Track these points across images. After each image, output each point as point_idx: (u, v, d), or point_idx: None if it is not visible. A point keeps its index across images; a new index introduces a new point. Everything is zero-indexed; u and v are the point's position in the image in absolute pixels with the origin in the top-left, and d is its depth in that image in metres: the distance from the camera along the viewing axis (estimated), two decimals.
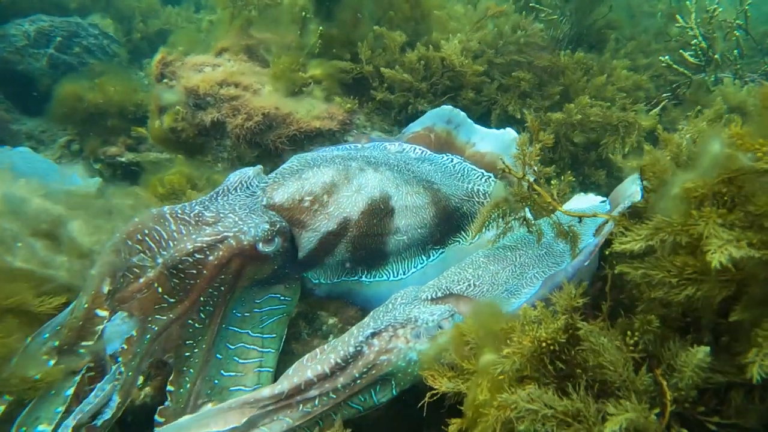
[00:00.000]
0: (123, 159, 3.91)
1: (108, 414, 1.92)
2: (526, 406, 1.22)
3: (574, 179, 2.52)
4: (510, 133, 2.77)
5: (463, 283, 2.03)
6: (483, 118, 3.45)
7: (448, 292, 2.01)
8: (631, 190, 1.98)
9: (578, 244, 1.93)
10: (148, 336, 2.06)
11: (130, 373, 2.00)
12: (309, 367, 1.85)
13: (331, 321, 2.69)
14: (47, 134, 4.49)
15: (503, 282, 2.01)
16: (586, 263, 1.79)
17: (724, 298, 1.17)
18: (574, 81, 3.38)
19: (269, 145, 2.98)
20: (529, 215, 2.06)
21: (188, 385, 2.14)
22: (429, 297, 2.01)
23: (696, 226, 1.14)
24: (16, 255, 1.73)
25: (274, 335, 2.39)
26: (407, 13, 3.48)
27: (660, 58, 3.62)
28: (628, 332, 1.30)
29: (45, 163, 3.93)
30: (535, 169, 1.93)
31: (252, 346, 2.33)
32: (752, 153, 1.08)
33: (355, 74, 3.32)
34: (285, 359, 2.62)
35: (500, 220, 2.00)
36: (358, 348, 1.85)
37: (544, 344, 1.30)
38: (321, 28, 3.21)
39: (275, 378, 2.21)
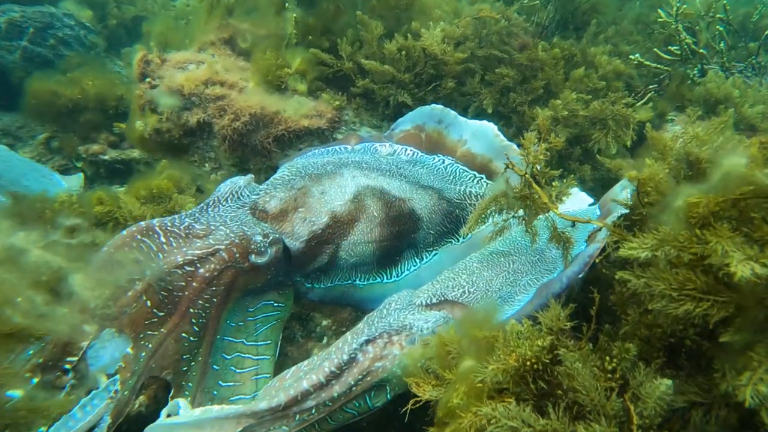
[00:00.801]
0: (106, 157, 3.84)
1: None
2: (506, 423, 1.26)
3: (575, 181, 2.53)
4: (491, 127, 2.77)
5: (458, 289, 2.06)
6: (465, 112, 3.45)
7: (443, 299, 2.03)
8: (621, 197, 2.00)
9: (571, 251, 1.96)
10: (144, 354, 2.06)
11: (126, 393, 2.00)
12: (304, 376, 1.87)
13: (324, 323, 2.73)
14: (24, 130, 4.39)
15: (497, 289, 2.04)
16: (581, 275, 1.82)
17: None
18: (552, 75, 3.39)
19: (257, 145, 2.96)
20: (524, 214, 2.07)
21: (189, 399, 2.15)
22: (424, 303, 2.03)
23: (704, 244, 1.16)
24: (15, 308, 1.71)
25: (269, 342, 2.41)
26: (391, 2, 3.42)
27: (630, 56, 3.62)
28: (607, 358, 1.33)
29: (23, 162, 3.85)
30: (539, 167, 1.94)
31: (247, 355, 2.35)
32: None
33: (335, 70, 3.28)
34: (279, 362, 2.65)
35: (497, 215, 2.01)
36: (352, 355, 1.87)
37: (527, 363, 1.33)
38: (295, 15, 3.14)
39: None
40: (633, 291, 1.35)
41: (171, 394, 2.13)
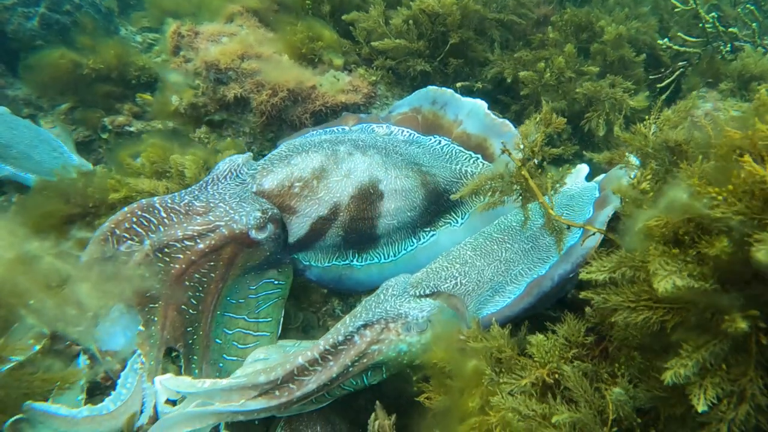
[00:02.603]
0: (132, 128, 3.88)
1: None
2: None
3: (572, 170, 2.57)
4: (481, 105, 2.83)
5: (450, 280, 2.16)
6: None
7: (435, 290, 2.15)
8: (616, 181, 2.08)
9: (564, 241, 2.04)
10: (153, 327, 2.17)
11: (151, 363, 2.14)
12: (301, 353, 2.00)
13: (336, 301, 2.84)
14: (44, 99, 4.39)
15: (489, 279, 2.15)
16: (571, 275, 1.92)
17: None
18: (555, 54, 3.31)
19: (294, 120, 3.01)
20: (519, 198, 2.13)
21: (196, 371, 2.29)
22: (418, 293, 2.15)
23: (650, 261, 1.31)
24: (28, 309, 1.83)
25: (270, 319, 2.53)
26: None
27: (659, 42, 3.59)
28: (616, 364, 1.52)
29: (31, 130, 3.85)
30: (537, 150, 2.00)
31: (248, 331, 2.47)
32: (707, 199, 1.22)
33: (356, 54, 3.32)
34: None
35: (490, 193, 2.08)
36: (348, 336, 2.00)
37: (556, 375, 1.53)
38: None
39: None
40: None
41: (182, 369, 2.27)
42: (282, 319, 2.55)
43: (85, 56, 4.04)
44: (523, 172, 1.96)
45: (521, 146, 1.97)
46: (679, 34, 3.70)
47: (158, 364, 2.17)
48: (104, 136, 4.00)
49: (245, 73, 2.98)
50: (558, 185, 2.03)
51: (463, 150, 2.82)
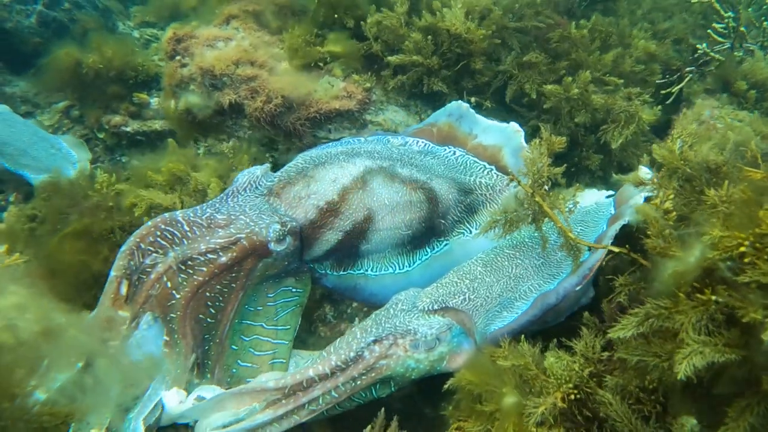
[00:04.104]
0: (129, 129, 3.94)
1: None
2: None
3: (582, 188, 2.63)
4: (513, 125, 2.86)
5: (459, 296, 2.22)
6: (499, 92, 3.50)
7: (444, 305, 2.20)
8: (633, 200, 2.13)
9: (580, 258, 2.07)
10: (176, 336, 2.25)
11: (178, 370, 2.22)
12: (312, 366, 2.08)
13: (355, 303, 2.90)
14: (41, 96, 4.45)
15: (497, 295, 2.20)
16: (578, 288, 1.97)
17: None
18: (585, 58, 3.37)
19: (289, 126, 3.07)
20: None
21: (208, 376, 2.36)
22: (427, 308, 2.21)
23: (679, 315, 1.34)
24: (44, 385, 1.87)
25: (288, 327, 2.60)
26: None
27: (697, 45, 3.59)
28: (648, 378, 1.53)
29: (29, 127, 3.91)
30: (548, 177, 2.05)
31: (266, 339, 2.54)
32: (732, 261, 1.26)
33: (363, 52, 3.32)
34: (312, 341, 2.84)
35: (507, 225, 2.14)
36: (360, 353, 2.07)
37: (572, 396, 1.54)
38: None
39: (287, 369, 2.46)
40: None
41: (194, 372, 2.32)
42: (298, 327, 2.63)
43: (86, 54, 4.08)
44: (537, 199, 2.01)
45: (530, 174, 2.02)
46: (709, 31, 3.68)
47: (185, 371, 2.25)
48: (101, 135, 4.06)
49: (240, 79, 3.03)
50: (572, 206, 2.09)
51: (478, 161, 2.89)
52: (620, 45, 3.56)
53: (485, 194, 2.78)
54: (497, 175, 2.82)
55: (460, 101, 2.96)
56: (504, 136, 2.87)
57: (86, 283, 2.62)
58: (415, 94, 3.48)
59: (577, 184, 2.81)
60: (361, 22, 3.25)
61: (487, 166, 2.86)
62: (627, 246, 1.93)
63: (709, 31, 3.69)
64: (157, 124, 4.01)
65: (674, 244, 1.59)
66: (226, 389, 2.28)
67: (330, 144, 2.95)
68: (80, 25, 4.48)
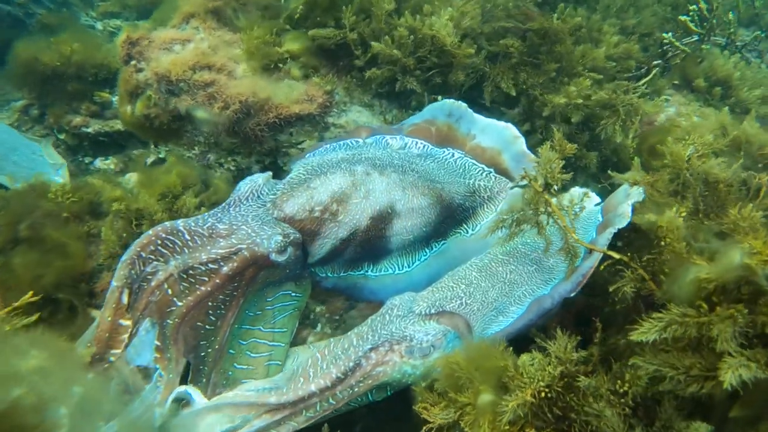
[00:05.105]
0: (90, 130, 3.87)
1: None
2: None
3: (590, 193, 2.66)
4: (510, 129, 2.90)
5: (456, 300, 2.26)
6: (473, 90, 3.45)
7: (441, 309, 2.24)
8: (621, 209, 2.16)
9: (575, 263, 2.15)
10: (168, 342, 2.28)
11: (170, 376, 2.26)
12: (313, 378, 2.12)
13: (318, 309, 2.94)
14: None
15: (493, 300, 2.25)
16: (573, 294, 2.01)
17: None
18: (569, 52, 3.32)
19: (248, 132, 3.04)
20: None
21: (204, 379, 2.40)
22: (423, 312, 2.24)
23: (708, 324, 1.36)
24: None
25: (285, 330, 2.67)
26: None
27: (663, 35, 3.60)
28: (618, 382, 1.58)
29: (11, 135, 3.85)
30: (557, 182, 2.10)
31: (263, 341, 2.60)
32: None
33: (337, 41, 3.21)
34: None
35: (513, 225, 2.21)
36: (358, 362, 2.12)
37: (542, 394, 1.57)
38: None
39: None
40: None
41: (189, 378, 2.36)
42: (295, 330, 2.69)
43: (42, 50, 3.98)
44: (546, 198, 2.06)
45: (541, 173, 2.06)
46: (683, 18, 3.69)
47: (177, 377, 2.28)
48: (61, 136, 3.99)
49: (197, 84, 2.98)
50: (579, 209, 2.14)
51: (476, 163, 2.94)
52: (590, 40, 3.52)
53: (484, 196, 2.88)
54: (496, 178, 2.91)
55: (459, 101, 2.96)
56: (502, 139, 2.92)
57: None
58: (381, 93, 3.44)
59: (586, 190, 2.83)
60: (343, 7, 3.14)
61: (486, 168, 2.93)
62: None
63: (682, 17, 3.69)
64: (119, 125, 3.96)
65: (694, 251, 1.63)
66: (222, 392, 2.33)
67: (329, 147, 2.96)
68: (38, 20, 4.37)
